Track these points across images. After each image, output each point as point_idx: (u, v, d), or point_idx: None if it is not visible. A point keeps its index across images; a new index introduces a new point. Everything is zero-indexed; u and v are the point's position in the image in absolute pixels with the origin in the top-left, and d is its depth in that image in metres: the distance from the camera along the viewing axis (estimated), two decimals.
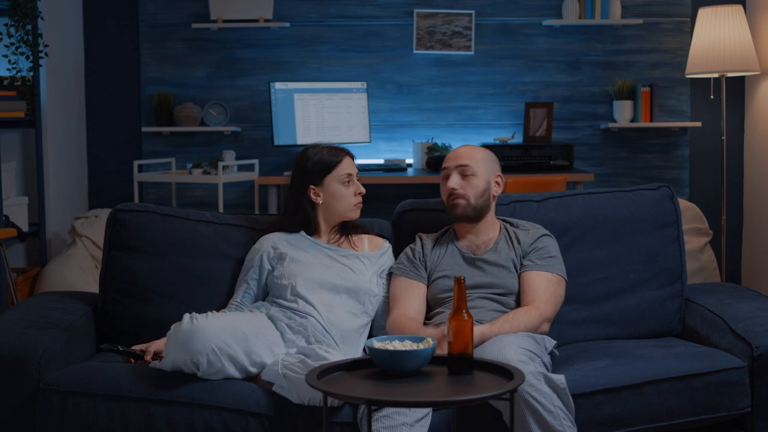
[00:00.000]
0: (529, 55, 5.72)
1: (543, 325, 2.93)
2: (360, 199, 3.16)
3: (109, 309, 3.18)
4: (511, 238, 3.12)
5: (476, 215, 3.10)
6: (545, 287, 2.99)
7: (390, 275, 3.14)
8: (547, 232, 3.15)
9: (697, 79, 5.61)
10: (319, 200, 3.13)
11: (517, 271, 3.05)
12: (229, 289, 3.16)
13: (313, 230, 3.17)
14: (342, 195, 3.13)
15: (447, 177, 3.12)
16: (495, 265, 3.05)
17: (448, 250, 3.12)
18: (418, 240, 3.18)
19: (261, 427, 2.66)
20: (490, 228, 3.14)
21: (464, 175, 3.09)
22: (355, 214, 3.17)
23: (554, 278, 3.03)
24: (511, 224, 3.19)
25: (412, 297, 3.06)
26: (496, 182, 3.14)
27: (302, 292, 2.99)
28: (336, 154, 3.15)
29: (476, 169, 3.09)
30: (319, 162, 3.13)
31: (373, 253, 3.16)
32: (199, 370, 2.69)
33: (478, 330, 2.79)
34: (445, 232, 3.21)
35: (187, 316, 2.70)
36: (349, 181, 3.13)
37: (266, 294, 3.11)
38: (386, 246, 3.21)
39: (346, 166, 3.13)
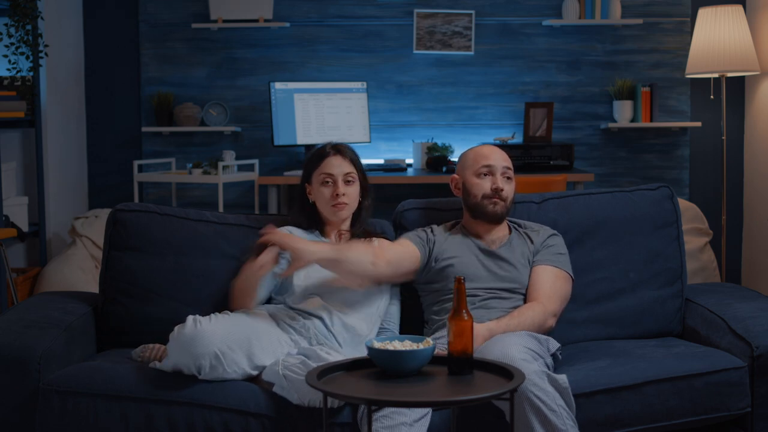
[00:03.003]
0: (529, 55, 5.72)
1: (549, 320, 2.96)
2: (335, 201, 3.06)
3: (109, 309, 3.18)
4: (522, 234, 3.15)
5: (506, 216, 3.14)
6: (552, 282, 3.02)
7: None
8: (555, 232, 3.18)
9: (697, 79, 5.61)
10: (311, 198, 3.13)
11: (530, 267, 3.08)
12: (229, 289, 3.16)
13: (321, 230, 3.16)
14: (320, 195, 3.08)
15: (491, 175, 3.11)
16: (509, 260, 3.07)
17: (464, 242, 3.12)
18: (429, 229, 3.18)
19: (261, 427, 2.66)
20: (503, 227, 3.17)
21: (506, 178, 3.13)
22: (332, 217, 3.10)
23: (561, 274, 3.06)
24: (519, 225, 3.21)
25: (396, 248, 3.06)
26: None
27: (311, 294, 2.98)
28: (325, 150, 3.11)
29: (513, 175, 3.16)
30: (310, 157, 3.14)
31: None
32: (201, 373, 2.68)
33: (486, 327, 2.82)
34: (454, 225, 3.21)
35: (190, 319, 2.70)
36: (328, 182, 3.07)
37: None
38: None
39: (327, 166, 3.07)
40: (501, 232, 3.15)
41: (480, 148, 3.20)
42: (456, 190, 3.20)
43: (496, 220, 3.11)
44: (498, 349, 2.62)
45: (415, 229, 3.20)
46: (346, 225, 3.15)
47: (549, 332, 2.99)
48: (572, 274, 3.10)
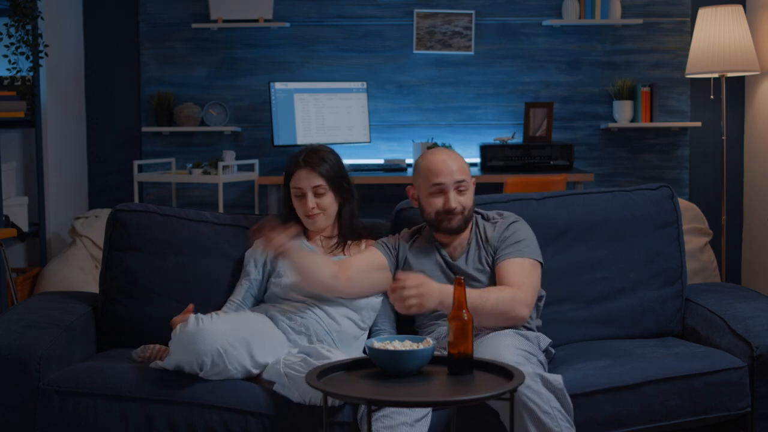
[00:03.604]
0: (529, 55, 5.72)
1: (519, 308, 2.83)
2: (308, 213, 3.07)
3: (109, 309, 3.18)
4: (480, 235, 3.05)
5: (465, 226, 3.04)
6: (518, 273, 2.90)
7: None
8: (517, 218, 3.07)
9: (697, 79, 5.61)
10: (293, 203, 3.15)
11: (491, 269, 2.99)
12: (229, 289, 3.16)
13: (307, 235, 3.16)
14: (296, 206, 3.11)
15: (442, 193, 2.98)
16: (469, 270, 2.99)
17: (429, 253, 3.06)
18: (398, 234, 3.14)
19: (261, 426, 2.66)
20: (466, 230, 3.08)
21: (460, 191, 2.99)
22: (310, 227, 3.12)
23: (525, 262, 2.94)
24: (483, 216, 3.11)
25: (360, 261, 3.01)
26: (474, 186, 3.07)
27: (300, 300, 2.99)
28: (294, 163, 3.10)
29: (468, 183, 3.02)
30: (286, 165, 3.15)
31: None
32: (202, 371, 2.69)
33: (438, 288, 2.75)
34: (420, 230, 3.15)
35: (192, 317, 2.70)
36: (299, 195, 3.08)
37: (266, 292, 3.11)
38: None
39: (296, 180, 3.08)
40: (464, 235, 3.06)
41: (431, 160, 3.02)
42: (414, 201, 3.10)
43: (457, 232, 3.02)
44: (489, 351, 2.60)
45: (387, 236, 3.16)
46: (329, 231, 3.16)
47: (518, 324, 2.91)
48: (539, 258, 2.99)
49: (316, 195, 3.06)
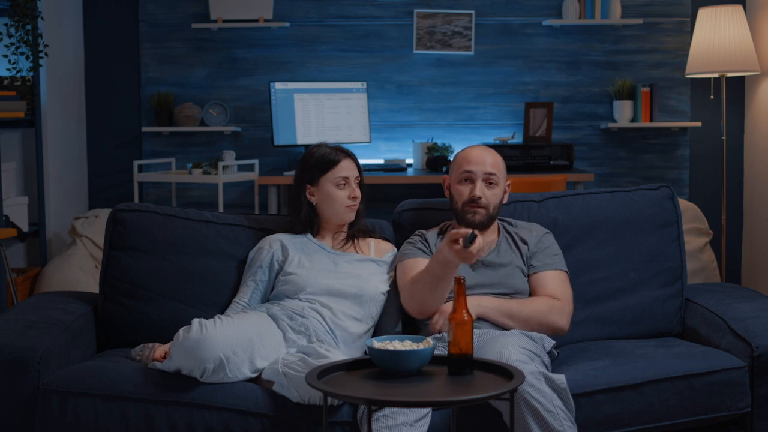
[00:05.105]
0: (529, 55, 5.72)
1: (557, 318, 2.94)
2: (352, 202, 3.12)
3: (109, 309, 3.18)
4: (514, 239, 3.11)
5: (489, 223, 3.09)
6: (557, 284, 3.02)
7: (395, 270, 3.12)
8: (547, 230, 3.17)
9: (697, 79, 5.61)
10: (314, 200, 3.13)
11: (523, 272, 3.05)
12: (229, 289, 3.16)
13: (316, 232, 3.17)
14: (334, 197, 3.10)
15: (471, 181, 3.05)
16: (498, 265, 3.04)
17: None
18: (419, 235, 3.16)
19: (261, 426, 2.66)
20: (492, 231, 3.13)
21: (489, 184, 3.06)
22: (343, 219, 3.14)
23: (564, 275, 3.06)
24: (509, 223, 3.18)
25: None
26: (505, 190, 3.14)
27: (307, 297, 2.99)
28: (335, 154, 3.13)
29: (499, 179, 3.08)
30: (317, 161, 3.13)
31: (379, 259, 3.15)
32: (203, 377, 2.69)
33: (495, 302, 2.88)
34: (445, 229, 3.19)
35: (196, 323, 2.70)
36: (344, 184, 3.11)
37: (272, 290, 3.11)
38: (393, 252, 3.20)
39: (342, 169, 3.11)
40: (489, 237, 3.10)
41: (468, 151, 3.12)
42: (446, 191, 3.17)
43: (478, 227, 3.06)
44: (495, 349, 2.61)
45: (408, 243, 3.13)
46: (345, 226, 3.17)
47: (558, 334, 2.98)
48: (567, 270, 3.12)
49: (356, 186, 3.14)
